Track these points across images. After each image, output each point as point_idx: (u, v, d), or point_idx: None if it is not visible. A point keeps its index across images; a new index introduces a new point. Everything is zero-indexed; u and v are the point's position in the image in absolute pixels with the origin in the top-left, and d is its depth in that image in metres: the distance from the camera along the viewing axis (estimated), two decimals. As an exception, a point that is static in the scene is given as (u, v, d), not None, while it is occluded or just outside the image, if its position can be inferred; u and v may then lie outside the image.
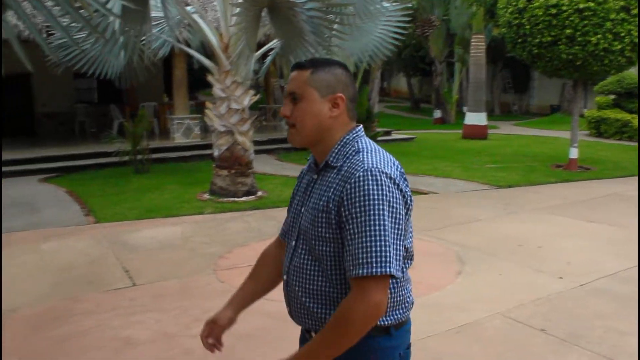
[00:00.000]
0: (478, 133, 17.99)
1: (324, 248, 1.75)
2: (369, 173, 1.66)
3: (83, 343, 4.23)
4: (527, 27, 10.81)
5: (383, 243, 1.62)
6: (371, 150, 1.76)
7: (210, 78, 9.16)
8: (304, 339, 1.94)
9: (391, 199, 1.67)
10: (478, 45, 18.28)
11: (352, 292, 1.65)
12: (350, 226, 1.65)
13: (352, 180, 1.67)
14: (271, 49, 9.49)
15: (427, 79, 33.75)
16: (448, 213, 8.17)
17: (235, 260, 6.02)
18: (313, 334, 1.84)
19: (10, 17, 2.28)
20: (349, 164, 1.73)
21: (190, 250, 6.43)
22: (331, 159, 1.79)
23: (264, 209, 8.37)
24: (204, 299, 5.00)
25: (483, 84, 18.58)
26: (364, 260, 1.62)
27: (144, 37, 8.15)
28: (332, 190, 1.73)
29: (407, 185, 1.77)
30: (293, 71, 1.84)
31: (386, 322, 1.77)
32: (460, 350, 4.03)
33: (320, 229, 1.74)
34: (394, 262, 1.63)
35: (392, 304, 1.78)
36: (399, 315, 1.80)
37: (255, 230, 7.21)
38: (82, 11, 2.73)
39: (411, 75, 35.14)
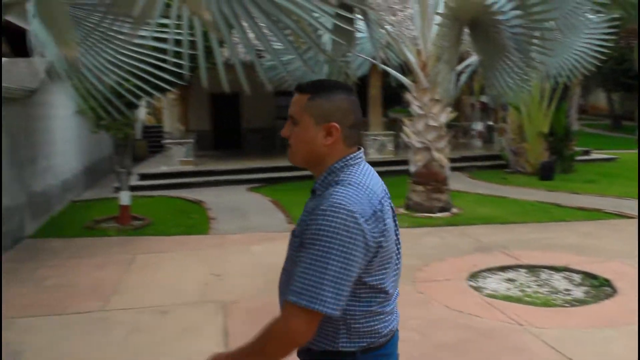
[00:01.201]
0: (694, 154, 16.35)
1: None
2: (331, 208, 1.65)
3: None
4: None
5: (321, 280, 1.63)
6: (349, 184, 1.73)
7: (407, 96, 9.42)
8: None
9: (345, 238, 1.64)
10: (696, 57, 16.68)
11: (281, 314, 1.72)
12: (302, 253, 1.68)
13: (316, 212, 1.68)
14: (465, 66, 9.52)
15: (630, 95, 31.29)
16: (659, 239, 7.59)
17: (433, 274, 6.16)
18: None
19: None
20: (324, 197, 1.72)
21: (389, 261, 6.67)
22: (317, 185, 1.82)
23: (459, 226, 8.41)
24: (404, 307, 5.13)
25: (700, 101, 16.89)
26: (299, 289, 1.65)
27: (348, 57, 8.62)
28: (304, 219, 1.77)
29: (379, 224, 1.72)
30: (295, 93, 1.85)
31: (348, 348, 1.79)
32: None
33: (293, 252, 1.78)
34: (329, 300, 1.63)
35: (357, 333, 1.78)
36: (364, 344, 1.80)
37: (452, 246, 7.29)
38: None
39: (611, 91, 32.83)
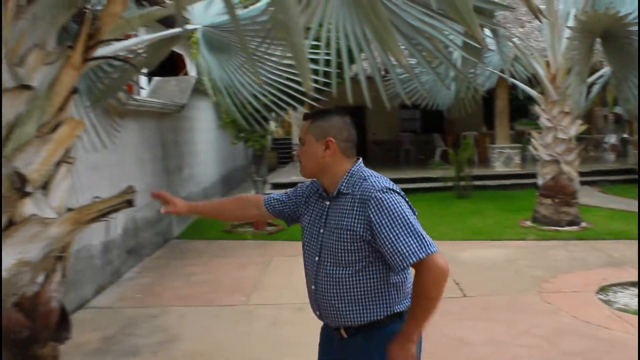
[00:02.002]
0: None
1: (350, 257, 2.16)
2: (382, 192, 2.10)
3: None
4: None
5: (417, 235, 2.03)
6: (375, 176, 2.20)
7: (536, 108, 9.39)
8: (326, 335, 2.39)
9: (406, 204, 2.13)
10: None
11: (419, 272, 2.04)
12: (387, 234, 2.05)
13: (373, 202, 2.09)
14: (597, 78, 9.33)
15: None
16: None
17: (560, 285, 6.18)
18: (342, 331, 2.25)
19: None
20: (361, 190, 2.15)
21: (515, 272, 6.77)
22: (343, 187, 2.22)
23: (588, 240, 8.25)
24: (530, 315, 5.31)
25: None
26: (412, 250, 2.01)
27: (477, 70, 8.76)
28: (354, 212, 2.14)
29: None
30: (303, 121, 2.30)
31: (400, 309, 2.19)
32: None
33: (345, 243, 2.16)
34: (432, 242, 2.03)
35: (404, 294, 2.20)
36: (408, 303, 2.19)
37: (580, 260, 7.22)
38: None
39: None
